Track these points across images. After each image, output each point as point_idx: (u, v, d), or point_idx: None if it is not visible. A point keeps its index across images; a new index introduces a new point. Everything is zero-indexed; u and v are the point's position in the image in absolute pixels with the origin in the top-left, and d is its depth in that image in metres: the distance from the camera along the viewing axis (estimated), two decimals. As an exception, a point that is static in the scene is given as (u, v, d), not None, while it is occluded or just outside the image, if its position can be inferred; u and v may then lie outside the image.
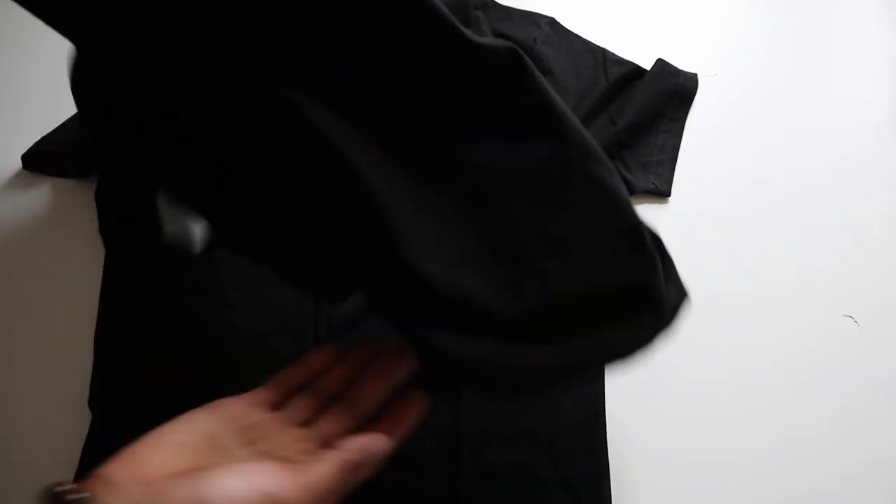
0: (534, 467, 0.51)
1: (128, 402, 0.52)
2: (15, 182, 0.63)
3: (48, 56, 0.70)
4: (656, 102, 0.70)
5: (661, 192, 0.66)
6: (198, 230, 0.54)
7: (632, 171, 0.66)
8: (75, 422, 0.52)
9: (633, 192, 0.65)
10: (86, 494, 0.27)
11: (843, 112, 0.69)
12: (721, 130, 0.69)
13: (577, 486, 0.50)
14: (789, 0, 0.77)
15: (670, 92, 0.70)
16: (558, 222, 0.36)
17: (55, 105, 0.63)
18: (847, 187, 0.65)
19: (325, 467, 0.32)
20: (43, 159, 0.63)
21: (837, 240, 0.62)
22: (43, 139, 0.63)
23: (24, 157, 0.63)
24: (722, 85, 0.71)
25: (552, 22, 0.73)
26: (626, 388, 0.54)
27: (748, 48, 0.74)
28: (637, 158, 0.67)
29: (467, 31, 0.34)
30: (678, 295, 0.38)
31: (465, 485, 0.50)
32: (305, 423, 0.36)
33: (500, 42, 0.35)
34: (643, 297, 0.36)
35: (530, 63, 0.35)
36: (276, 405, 0.37)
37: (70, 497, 0.27)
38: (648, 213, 0.65)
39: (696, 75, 0.72)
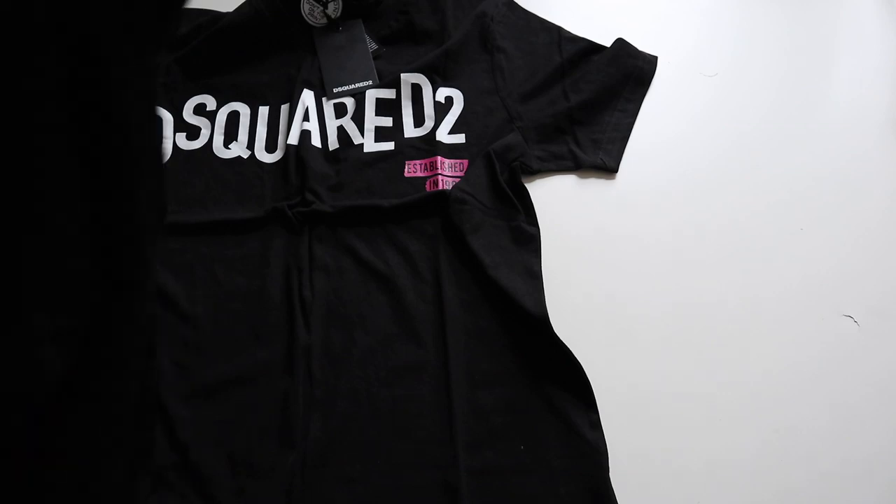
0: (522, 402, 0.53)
1: None
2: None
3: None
4: (613, 82, 0.69)
5: (609, 168, 0.64)
6: None
7: (582, 147, 0.65)
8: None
9: (580, 166, 0.64)
10: None
11: (843, 112, 0.68)
12: (721, 130, 0.67)
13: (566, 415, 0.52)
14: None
15: (628, 73, 0.69)
16: None
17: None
18: (847, 187, 0.64)
19: None
20: None
21: (837, 240, 0.61)
22: None
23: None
24: (722, 86, 0.70)
25: (509, 2, 0.73)
26: (625, 389, 0.54)
27: (748, 48, 0.73)
28: (589, 135, 0.66)
29: None
30: None
31: (460, 425, 0.52)
32: None
33: None
34: None
35: None
36: None
37: None
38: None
39: (655, 58, 0.71)
